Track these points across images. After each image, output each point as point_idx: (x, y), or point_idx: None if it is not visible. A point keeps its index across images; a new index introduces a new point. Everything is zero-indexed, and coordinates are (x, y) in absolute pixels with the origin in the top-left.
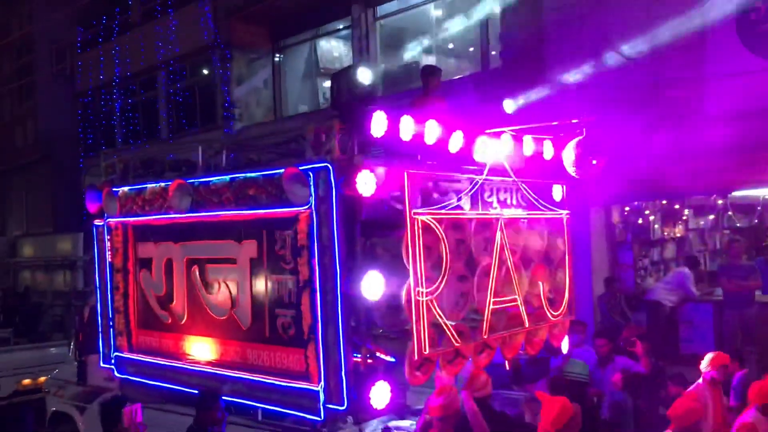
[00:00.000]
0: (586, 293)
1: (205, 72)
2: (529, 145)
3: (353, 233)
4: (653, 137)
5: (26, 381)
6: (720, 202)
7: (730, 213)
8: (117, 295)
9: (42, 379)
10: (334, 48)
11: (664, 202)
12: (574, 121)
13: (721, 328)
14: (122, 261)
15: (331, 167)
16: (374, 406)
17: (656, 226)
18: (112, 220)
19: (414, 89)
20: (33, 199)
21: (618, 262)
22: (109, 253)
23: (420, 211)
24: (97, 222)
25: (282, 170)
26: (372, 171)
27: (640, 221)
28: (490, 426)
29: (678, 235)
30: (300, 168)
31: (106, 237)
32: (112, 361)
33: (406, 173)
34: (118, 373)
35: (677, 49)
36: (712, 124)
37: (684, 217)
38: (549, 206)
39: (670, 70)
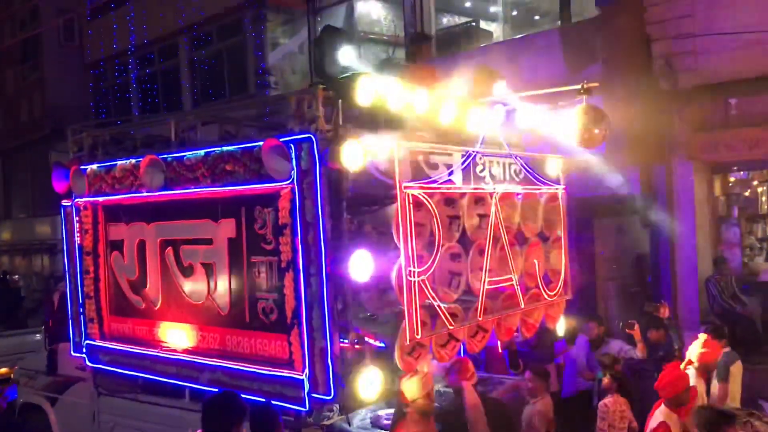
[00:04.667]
0: (691, 274)
1: (236, 36)
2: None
3: (339, 210)
4: None
5: (3, 370)
6: None
7: None
8: (87, 280)
9: (3, 370)
10: (372, 10)
11: None
12: (576, 87)
13: None
14: (92, 243)
15: (314, 138)
16: (363, 395)
17: (764, 198)
18: (80, 200)
19: (472, 50)
20: (41, 179)
21: (722, 240)
22: (78, 234)
23: (411, 185)
24: (65, 202)
25: (261, 143)
26: (360, 143)
27: (747, 193)
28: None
29: None
30: (281, 140)
31: (75, 218)
32: (84, 349)
33: (396, 144)
34: (90, 362)
35: None
36: None
37: None
38: (545, 181)
39: None
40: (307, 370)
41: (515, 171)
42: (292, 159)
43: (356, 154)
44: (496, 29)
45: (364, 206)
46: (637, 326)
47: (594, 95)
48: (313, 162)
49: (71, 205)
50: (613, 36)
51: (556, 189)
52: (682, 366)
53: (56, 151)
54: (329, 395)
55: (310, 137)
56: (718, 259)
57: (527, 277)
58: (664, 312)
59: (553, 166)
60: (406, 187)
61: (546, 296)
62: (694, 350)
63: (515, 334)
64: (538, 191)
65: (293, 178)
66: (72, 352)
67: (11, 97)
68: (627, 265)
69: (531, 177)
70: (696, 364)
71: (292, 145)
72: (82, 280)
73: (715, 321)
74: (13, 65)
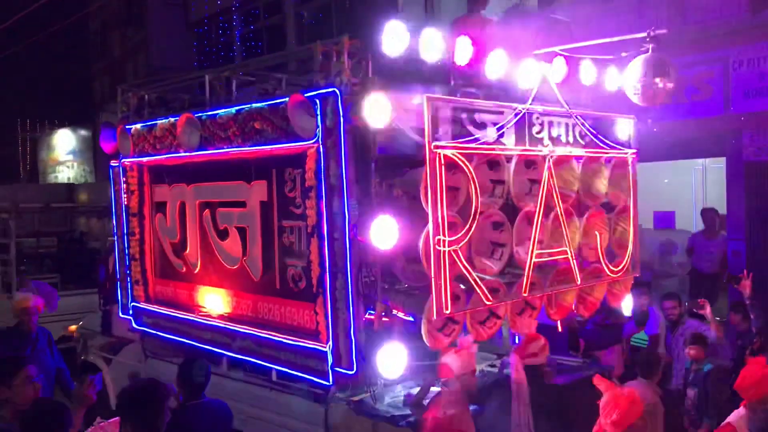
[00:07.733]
0: None
1: None
2: (588, 72)
3: (366, 171)
4: None
5: (72, 327)
6: None
7: None
8: (133, 241)
9: (73, 327)
10: None
11: None
12: (641, 35)
13: None
14: (138, 204)
15: (339, 93)
16: (383, 372)
17: None
18: (126, 161)
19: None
20: None
21: None
22: (125, 195)
23: (442, 144)
24: (113, 162)
25: (287, 98)
26: (387, 97)
27: None
28: (539, 399)
29: None
30: (306, 95)
31: (122, 178)
32: (130, 311)
33: (425, 99)
34: (135, 324)
35: None
36: None
37: None
38: (613, 144)
39: None
40: (330, 343)
41: (580, 133)
42: (317, 115)
43: (381, 108)
44: None
45: (395, 168)
46: (708, 306)
47: None
48: (337, 119)
49: (118, 165)
50: None
51: (625, 153)
52: None
53: (106, 112)
54: (351, 369)
55: (334, 91)
56: None
57: (586, 250)
58: (746, 289)
59: (624, 128)
60: (436, 147)
61: (608, 272)
62: None
63: (572, 311)
64: (603, 155)
65: (318, 137)
66: (119, 314)
67: (117, 60)
68: None
69: (596, 139)
70: None
71: (317, 101)
72: (128, 242)
73: None
74: (119, 27)
